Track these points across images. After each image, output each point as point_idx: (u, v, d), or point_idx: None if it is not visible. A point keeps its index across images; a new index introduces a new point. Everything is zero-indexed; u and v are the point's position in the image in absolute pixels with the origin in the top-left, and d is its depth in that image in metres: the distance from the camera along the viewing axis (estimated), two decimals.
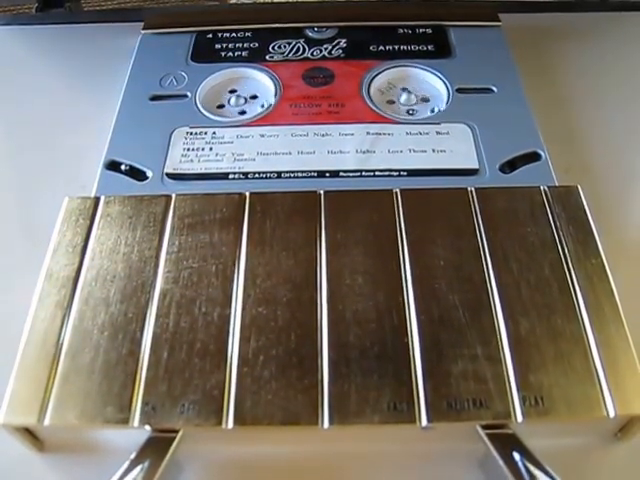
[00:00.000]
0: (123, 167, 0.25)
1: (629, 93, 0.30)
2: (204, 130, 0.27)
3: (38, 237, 0.23)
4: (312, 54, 0.30)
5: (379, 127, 0.26)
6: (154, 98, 0.28)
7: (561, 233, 0.21)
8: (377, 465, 0.19)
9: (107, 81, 0.30)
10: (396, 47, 0.30)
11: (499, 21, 0.30)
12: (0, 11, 0.35)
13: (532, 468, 0.17)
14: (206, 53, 0.30)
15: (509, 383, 0.17)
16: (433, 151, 0.25)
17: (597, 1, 0.33)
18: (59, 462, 0.20)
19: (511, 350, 0.18)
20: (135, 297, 0.19)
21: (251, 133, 0.26)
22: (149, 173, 0.25)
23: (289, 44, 0.30)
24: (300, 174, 0.25)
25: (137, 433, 0.18)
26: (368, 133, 0.26)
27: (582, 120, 0.28)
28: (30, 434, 0.19)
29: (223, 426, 0.17)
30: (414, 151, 0.25)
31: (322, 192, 0.22)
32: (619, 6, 0.33)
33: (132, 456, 0.17)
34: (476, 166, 0.25)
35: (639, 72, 0.30)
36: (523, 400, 0.17)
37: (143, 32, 0.31)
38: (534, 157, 0.25)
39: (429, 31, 0.30)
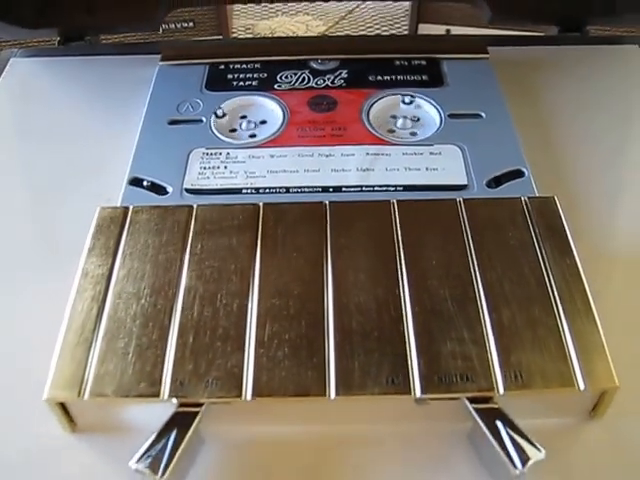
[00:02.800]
0: (145, 183, 0.29)
1: (605, 118, 0.34)
2: (219, 151, 0.31)
3: (69, 242, 0.27)
4: (316, 83, 0.34)
5: (377, 148, 0.31)
6: (172, 122, 0.32)
7: (539, 237, 0.24)
8: (376, 442, 0.22)
9: (127, 107, 0.35)
10: (393, 77, 0.34)
11: (487, 53, 0.35)
12: (26, 45, 0.39)
13: (515, 435, 0.20)
14: (219, 82, 0.35)
15: (492, 361, 0.21)
16: (426, 169, 0.29)
17: (577, 35, 0.38)
18: (90, 441, 0.23)
19: (494, 335, 0.22)
20: (163, 291, 0.23)
21: (262, 154, 0.31)
22: (169, 188, 0.29)
23: (295, 74, 0.35)
24: (306, 189, 0.29)
25: (163, 413, 0.21)
26: (367, 153, 0.30)
27: (562, 142, 0.32)
28: (66, 413, 0.22)
29: (242, 398, 0.20)
30: (409, 169, 0.29)
31: (327, 203, 0.26)
32: (597, 40, 0.38)
33: (159, 429, 0.21)
34: (465, 182, 0.29)
35: (614, 99, 0.35)
36: (504, 375, 0.21)
37: (160, 63, 0.36)
38: (518, 174, 0.29)
39: (423, 63, 0.35)
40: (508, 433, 0.20)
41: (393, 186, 0.29)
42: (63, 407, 0.22)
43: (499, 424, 0.20)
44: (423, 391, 0.20)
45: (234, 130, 0.32)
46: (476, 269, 0.23)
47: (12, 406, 0.23)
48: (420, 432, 0.22)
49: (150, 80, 0.35)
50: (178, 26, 0.57)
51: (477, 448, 0.22)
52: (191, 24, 0.58)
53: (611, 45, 0.38)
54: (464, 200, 0.26)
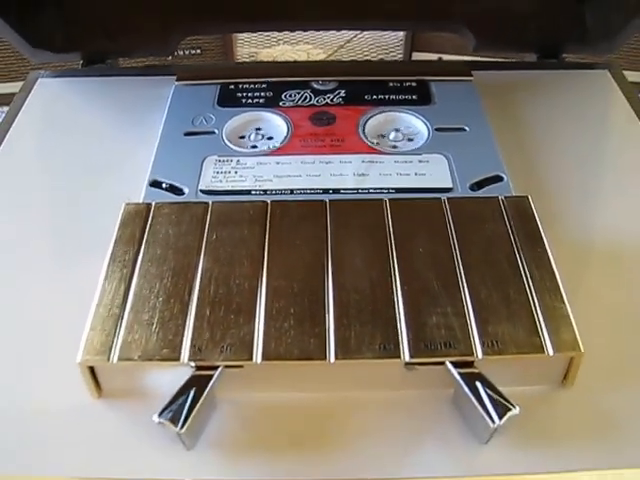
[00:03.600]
0: (164, 185, 0.33)
1: (576, 132, 0.38)
2: (230, 158, 0.34)
3: (96, 234, 0.29)
4: (317, 101, 0.38)
5: (372, 157, 0.34)
6: (188, 134, 0.36)
7: (513, 229, 0.28)
8: (370, 407, 0.25)
9: (144, 121, 0.39)
10: (386, 96, 0.38)
11: (471, 76, 0.39)
12: (52, 66, 0.43)
13: (492, 394, 0.23)
14: (230, 99, 0.38)
15: (472, 332, 0.24)
16: (415, 174, 0.33)
17: (554, 61, 0.42)
18: (114, 406, 0.26)
19: (473, 309, 0.25)
20: (183, 273, 0.26)
21: (269, 161, 0.34)
22: (186, 189, 0.32)
23: (298, 93, 0.39)
24: (309, 191, 0.32)
25: (180, 379, 0.24)
26: (363, 161, 0.34)
27: (537, 152, 0.36)
28: (94, 380, 0.25)
29: (253, 361, 0.23)
30: (400, 174, 0.33)
31: (327, 201, 0.30)
32: (571, 65, 0.42)
33: (178, 389, 0.23)
34: (450, 185, 0.32)
35: (584, 116, 0.39)
36: (482, 343, 0.24)
37: (176, 83, 0.39)
38: (497, 179, 0.32)
39: (413, 84, 0.39)
40: (487, 392, 0.23)
41: (386, 189, 0.32)
42: (92, 374, 0.25)
43: (479, 385, 0.23)
44: (411, 356, 0.23)
45: (244, 138, 0.36)
46: (458, 256, 0.27)
47: (47, 374, 0.26)
48: (409, 398, 0.25)
49: (164, 98, 0.39)
50: (186, 53, 0.61)
51: (460, 409, 0.25)
52: (198, 51, 0.62)
53: (584, 70, 0.42)
54: (448, 199, 0.29)
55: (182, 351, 0.24)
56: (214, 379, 0.24)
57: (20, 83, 0.42)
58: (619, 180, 0.35)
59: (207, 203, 0.29)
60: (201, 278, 0.26)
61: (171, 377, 0.24)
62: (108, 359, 0.24)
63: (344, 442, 0.24)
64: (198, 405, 0.23)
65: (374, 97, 0.38)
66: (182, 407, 0.23)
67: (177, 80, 0.39)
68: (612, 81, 0.41)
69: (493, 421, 0.22)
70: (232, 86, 0.39)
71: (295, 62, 0.43)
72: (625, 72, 0.42)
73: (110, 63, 0.44)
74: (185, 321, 0.25)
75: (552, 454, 0.24)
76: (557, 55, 0.43)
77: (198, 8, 0.41)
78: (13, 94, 0.42)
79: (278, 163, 0.34)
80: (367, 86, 0.39)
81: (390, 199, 0.29)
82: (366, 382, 0.25)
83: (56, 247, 0.32)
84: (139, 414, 0.25)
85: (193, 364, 0.24)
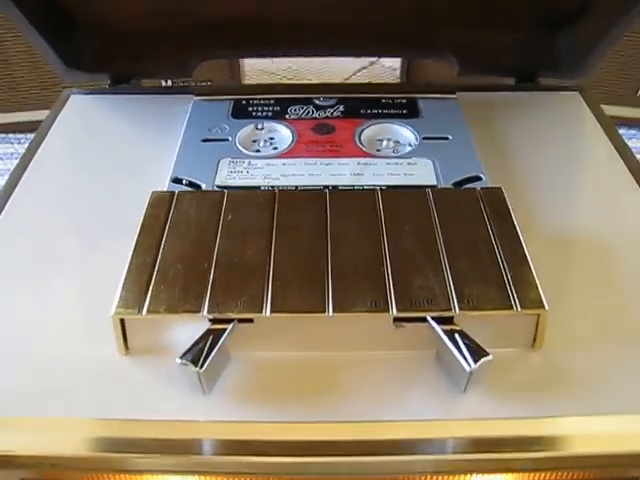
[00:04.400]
0: (184, 181, 0.37)
1: (549, 142, 0.43)
2: (242, 160, 0.39)
3: (126, 218, 0.34)
4: (319, 115, 0.43)
5: (366, 160, 0.39)
6: (205, 140, 0.41)
7: (487, 212, 0.32)
8: (362, 363, 0.29)
9: (167, 132, 0.43)
10: (380, 111, 0.43)
11: (454, 94, 0.44)
12: (83, 85, 0.48)
13: (469, 344, 0.27)
14: (242, 112, 0.43)
15: (451, 292, 0.28)
16: (404, 174, 0.38)
17: (530, 84, 0.48)
18: (139, 362, 0.29)
19: (452, 276, 0.29)
20: (202, 245, 0.30)
21: (276, 162, 0.39)
22: (203, 185, 0.37)
23: (302, 108, 0.44)
24: (310, 187, 0.37)
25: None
26: (358, 163, 0.39)
27: (513, 158, 0.41)
28: (124, 335, 0.29)
29: (263, 314, 0.27)
30: (391, 174, 0.38)
31: (327, 192, 0.34)
32: (546, 88, 0.47)
33: (198, 337, 0.27)
34: (435, 183, 0.37)
35: (556, 129, 0.44)
36: (459, 300, 0.28)
37: (195, 98, 0.45)
38: (477, 179, 0.37)
39: (404, 101, 0.44)
40: (464, 342, 0.27)
41: (378, 186, 0.37)
42: (122, 328, 0.29)
43: (457, 336, 0.27)
44: (398, 310, 0.27)
45: (255, 142, 0.41)
46: (440, 234, 0.31)
47: (81, 334, 0.31)
48: (398, 357, 0.29)
49: (184, 113, 0.44)
50: (198, 84, 0.67)
51: (441, 362, 0.29)
52: (209, 83, 0.68)
53: (557, 91, 0.47)
54: (432, 190, 0.34)
55: (202, 305, 0.28)
56: (228, 330, 0.28)
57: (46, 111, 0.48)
58: (582, 178, 0.40)
59: (223, 192, 0.34)
60: (218, 249, 0.30)
61: (190, 334, 0.28)
62: (138, 312, 0.28)
63: (341, 392, 0.28)
64: (215, 350, 0.27)
65: (369, 111, 0.43)
66: (201, 351, 0.27)
67: (196, 95, 0.45)
68: (582, 101, 0.47)
69: (469, 365, 0.26)
70: (244, 101, 0.44)
71: (300, 83, 0.48)
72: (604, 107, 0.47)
73: (134, 83, 0.49)
74: (204, 283, 0.29)
75: (522, 404, 0.28)
76: (533, 79, 0.48)
77: (214, 35, 0.46)
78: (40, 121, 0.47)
79: (284, 164, 0.39)
80: (363, 102, 0.44)
81: (381, 190, 0.34)
82: (360, 340, 0.29)
83: (91, 232, 0.37)
84: (161, 368, 0.29)
85: (211, 316, 0.28)
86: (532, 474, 0.27)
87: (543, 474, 0.27)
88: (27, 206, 0.38)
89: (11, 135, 0.82)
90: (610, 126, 0.44)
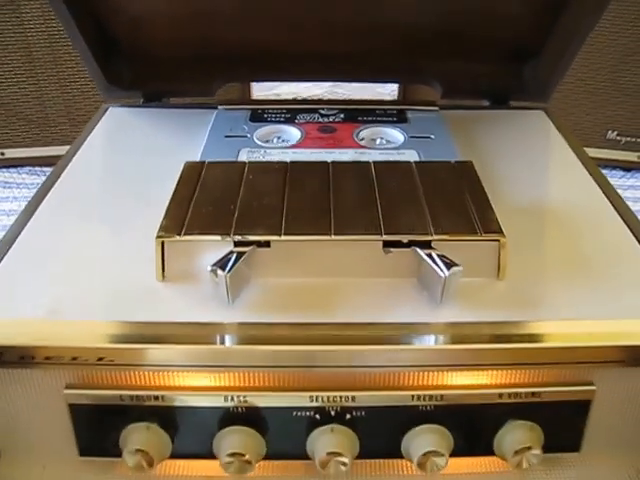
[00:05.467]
0: None
1: (515, 146, 0.52)
2: (259, 149, 0.47)
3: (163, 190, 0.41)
4: (323, 120, 0.52)
5: (363, 150, 0.47)
6: (227, 137, 0.49)
7: (460, 176, 0.40)
8: (357, 287, 0.36)
9: (193, 138, 0.51)
10: (375, 118, 0.52)
11: (437, 107, 0.53)
12: (118, 99, 0.57)
13: (444, 258, 0.33)
14: (259, 118, 0.52)
15: (429, 224, 0.35)
16: (394, 159, 0.45)
17: (502, 105, 0.57)
18: (173, 286, 0.36)
19: (430, 215, 0.36)
20: (229, 194, 0.38)
21: (287, 151, 0.47)
22: None
23: (309, 115, 0.52)
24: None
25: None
26: (356, 152, 0.47)
27: (485, 157, 0.49)
28: (162, 262, 0.35)
29: (279, 237, 0.34)
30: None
31: (330, 162, 0.42)
32: (515, 107, 0.57)
33: (224, 254, 0.34)
34: None
35: (522, 136, 0.52)
36: (435, 229, 0.35)
37: (219, 107, 0.53)
38: None
39: (394, 111, 0.53)
40: (439, 257, 0.34)
41: None
42: (162, 254, 0.35)
43: (433, 254, 0.34)
44: (386, 234, 0.34)
45: (268, 141, 0.49)
46: (420, 187, 0.39)
47: (129, 268, 0.37)
48: (386, 282, 0.36)
49: (206, 124, 0.53)
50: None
51: (422, 282, 0.35)
52: None
53: (524, 110, 0.56)
54: (415, 162, 0.42)
55: (229, 230, 0.35)
56: (249, 250, 0.34)
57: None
58: (541, 170, 0.49)
59: (245, 162, 0.42)
60: (241, 197, 0.38)
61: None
62: (176, 235, 0.35)
63: (340, 306, 0.35)
64: (239, 262, 0.34)
65: (365, 118, 0.52)
66: (227, 262, 0.33)
67: (219, 105, 0.53)
68: (546, 118, 0.55)
69: (443, 273, 0.33)
70: (260, 110, 0.53)
71: (306, 99, 0.57)
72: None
73: (164, 101, 0.58)
74: (231, 218, 0.36)
75: (489, 314, 0.34)
76: (505, 102, 0.57)
77: (234, 61, 0.56)
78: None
79: (294, 153, 0.47)
80: (360, 112, 0.53)
81: (373, 162, 0.42)
82: (356, 266, 0.36)
83: (136, 202, 0.45)
84: (192, 292, 0.36)
85: (236, 239, 0.34)
86: (496, 371, 0.33)
87: (505, 371, 0.33)
88: (79, 179, 0.47)
89: (37, 168, 0.91)
90: (568, 135, 0.53)
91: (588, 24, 0.51)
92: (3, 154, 0.85)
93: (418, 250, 0.34)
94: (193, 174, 0.40)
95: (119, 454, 0.34)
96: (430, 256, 0.34)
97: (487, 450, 0.35)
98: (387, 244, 0.35)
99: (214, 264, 0.33)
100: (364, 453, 0.35)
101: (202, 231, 0.35)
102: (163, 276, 0.36)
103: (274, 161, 0.44)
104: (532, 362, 0.33)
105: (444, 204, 0.37)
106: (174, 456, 0.35)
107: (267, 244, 0.35)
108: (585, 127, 0.84)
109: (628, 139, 0.85)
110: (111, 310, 0.34)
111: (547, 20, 0.53)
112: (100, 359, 0.32)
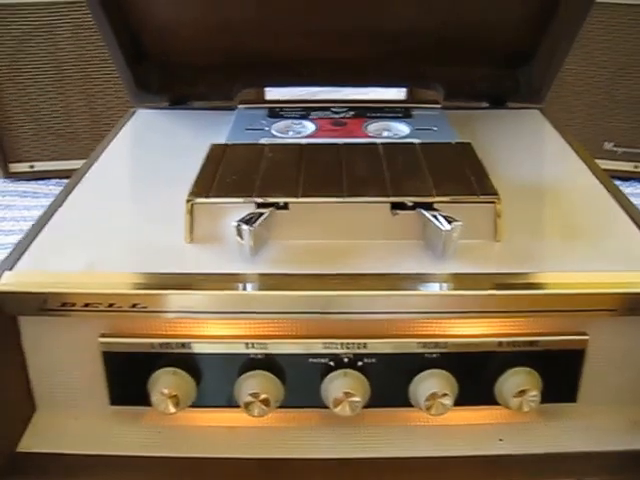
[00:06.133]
0: None
1: (513, 138, 0.56)
2: (277, 139, 0.51)
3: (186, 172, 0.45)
4: (334, 116, 0.56)
5: (371, 140, 0.51)
6: (247, 129, 0.53)
7: (459, 153, 0.44)
8: (367, 247, 0.39)
9: (215, 134, 0.56)
10: (382, 114, 0.56)
11: (439, 104, 0.57)
12: (146, 103, 0.62)
13: (446, 216, 0.37)
14: (276, 115, 0.56)
15: (432, 189, 0.39)
16: None
17: (500, 106, 0.61)
18: (200, 247, 0.39)
19: (433, 182, 0.40)
20: (251, 168, 0.42)
21: (303, 141, 0.51)
22: None
23: (322, 112, 0.56)
24: None
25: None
26: (365, 140, 0.51)
27: (486, 149, 0.52)
28: (190, 224, 0.39)
29: (297, 199, 0.38)
30: None
31: (341, 143, 0.46)
32: (512, 107, 0.61)
33: (247, 214, 0.37)
34: None
35: (520, 131, 0.56)
36: (437, 191, 0.38)
37: (239, 106, 0.58)
38: None
39: (401, 109, 0.57)
40: (442, 215, 0.37)
41: None
42: (191, 217, 0.39)
43: (436, 213, 0.37)
44: (394, 195, 0.38)
45: (285, 133, 0.53)
46: (424, 163, 0.42)
47: (162, 232, 0.41)
48: (394, 243, 0.39)
49: (226, 124, 0.57)
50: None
51: (426, 241, 0.38)
52: None
53: (521, 110, 0.60)
54: (419, 143, 0.46)
55: (252, 193, 0.38)
56: (269, 211, 0.38)
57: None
58: (540, 156, 0.52)
59: (264, 144, 0.46)
60: (261, 170, 0.41)
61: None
62: (204, 197, 0.38)
63: (353, 262, 0.38)
64: (261, 219, 0.37)
65: (373, 114, 0.56)
66: (251, 219, 0.37)
67: (239, 103, 0.58)
68: (542, 116, 0.59)
69: (444, 227, 0.36)
70: (277, 108, 0.57)
71: (319, 99, 0.61)
72: None
73: (188, 104, 0.63)
74: (253, 184, 0.40)
75: (487, 268, 0.37)
76: (502, 103, 0.61)
77: (251, 68, 0.61)
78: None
79: (309, 142, 0.51)
80: (368, 109, 0.57)
81: (381, 143, 0.46)
82: (367, 228, 0.39)
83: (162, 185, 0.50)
84: (217, 251, 0.39)
85: (258, 201, 0.38)
86: (495, 319, 0.36)
87: (504, 320, 0.36)
88: (111, 167, 0.51)
89: (64, 180, 0.95)
90: (561, 129, 0.57)
91: (573, 30, 0.56)
92: (32, 167, 0.90)
93: (422, 211, 0.38)
94: (218, 153, 0.44)
95: (147, 403, 0.37)
96: (433, 215, 0.37)
97: (490, 399, 0.38)
98: (394, 206, 0.38)
99: (238, 220, 0.37)
100: (374, 400, 0.37)
101: (227, 195, 0.39)
102: (191, 238, 0.40)
103: (291, 142, 0.48)
104: (529, 310, 0.36)
105: (445, 174, 0.41)
106: (198, 405, 0.38)
107: (286, 206, 0.39)
108: (583, 139, 0.88)
109: (625, 150, 0.89)
110: (143, 265, 0.38)
111: (538, 28, 0.57)
112: (134, 305, 0.36)
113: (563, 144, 0.55)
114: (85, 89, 0.87)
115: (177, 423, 0.39)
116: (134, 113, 0.61)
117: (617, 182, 0.48)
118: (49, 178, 0.90)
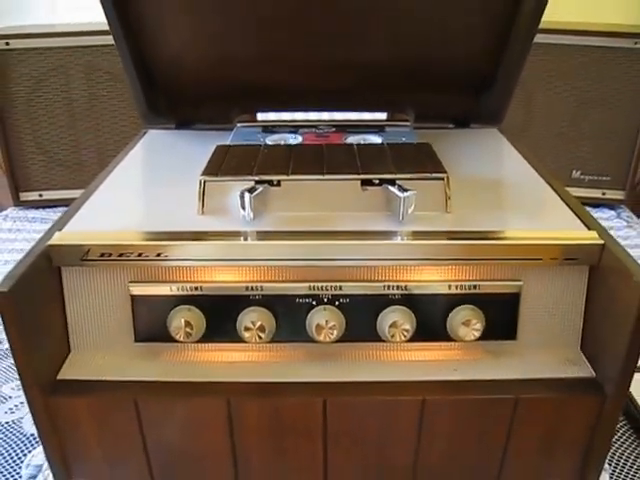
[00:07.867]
0: None
1: (473, 152, 0.71)
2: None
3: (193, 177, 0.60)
4: (319, 132, 0.71)
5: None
6: (245, 140, 0.68)
7: (421, 151, 0.58)
8: (344, 218, 0.53)
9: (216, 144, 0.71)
10: (359, 130, 0.71)
11: (409, 122, 0.72)
12: (154, 124, 0.77)
13: (404, 187, 0.51)
14: (269, 131, 0.71)
15: (394, 168, 0.53)
16: None
17: (464, 128, 0.77)
18: (211, 218, 0.53)
19: (395, 164, 0.54)
20: (249, 158, 0.56)
21: (293, 144, 0.66)
22: None
23: (308, 129, 0.72)
24: None
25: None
26: None
27: (444, 151, 0.68)
28: (202, 198, 0.53)
29: (286, 177, 0.52)
30: None
31: (323, 145, 0.60)
32: (474, 128, 0.76)
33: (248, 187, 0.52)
34: None
35: (480, 145, 0.71)
36: (398, 170, 0.52)
37: (238, 125, 0.73)
38: None
39: (375, 126, 0.72)
40: (401, 187, 0.51)
41: None
42: (203, 192, 0.53)
43: (396, 186, 0.51)
44: (363, 173, 0.52)
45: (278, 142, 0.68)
46: (389, 155, 0.57)
47: (171, 210, 0.55)
48: (365, 215, 0.53)
49: (227, 140, 0.72)
50: None
51: (392, 211, 0.52)
52: None
53: (480, 129, 0.76)
54: (387, 143, 0.60)
55: (252, 171, 0.53)
56: (266, 186, 0.52)
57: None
58: (493, 161, 0.68)
59: (261, 144, 0.61)
60: (259, 159, 0.56)
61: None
62: (215, 176, 0.53)
63: (332, 226, 0.51)
64: (259, 190, 0.51)
65: (352, 130, 0.71)
66: (251, 190, 0.51)
67: (238, 122, 0.73)
68: (499, 134, 0.75)
69: (402, 193, 0.50)
70: (270, 127, 0.73)
71: (305, 119, 0.78)
72: None
73: (192, 126, 0.78)
74: (252, 167, 0.54)
75: (438, 229, 0.51)
76: (466, 125, 0.77)
77: (248, 95, 0.77)
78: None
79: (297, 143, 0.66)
80: (347, 127, 0.72)
81: (356, 144, 0.61)
82: (342, 201, 0.53)
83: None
84: (224, 219, 0.53)
85: (256, 178, 0.52)
86: (446, 267, 0.50)
87: (453, 267, 0.50)
88: (129, 172, 0.66)
89: None
90: (515, 144, 0.72)
91: (522, 59, 0.72)
92: (41, 195, 1.05)
93: (387, 186, 0.52)
94: (222, 150, 0.59)
95: (166, 339, 0.50)
96: (394, 187, 0.52)
97: (443, 335, 0.51)
98: (364, 182, 0.53)
99: (242, 190, 0.51)
100: (349, 334, 0.50)
101: (233, 174, 0.53)
102: (203, 211, 0.54)
103: (283, 144, 0.63)
104: (473, 258, 0.50)
105: (406, 161, 0.55)
106: (207, 340, 0.51)
107: (278, 184, 0.53)
108: (552, 168, 1.04)
109: (591, 177, 1.05)
110: (166, 226, 0.51)
111: (494, 59, 0.74)
112: (158, 254, 0.49)
113: (516, 154, 0.70)
114: (94, 124, 1.03)
115: (189, 358, 0.52)
116: (145, 133, 0.77)
117: (588, 208, 0.62)
118: (56, 206, 1.05)
